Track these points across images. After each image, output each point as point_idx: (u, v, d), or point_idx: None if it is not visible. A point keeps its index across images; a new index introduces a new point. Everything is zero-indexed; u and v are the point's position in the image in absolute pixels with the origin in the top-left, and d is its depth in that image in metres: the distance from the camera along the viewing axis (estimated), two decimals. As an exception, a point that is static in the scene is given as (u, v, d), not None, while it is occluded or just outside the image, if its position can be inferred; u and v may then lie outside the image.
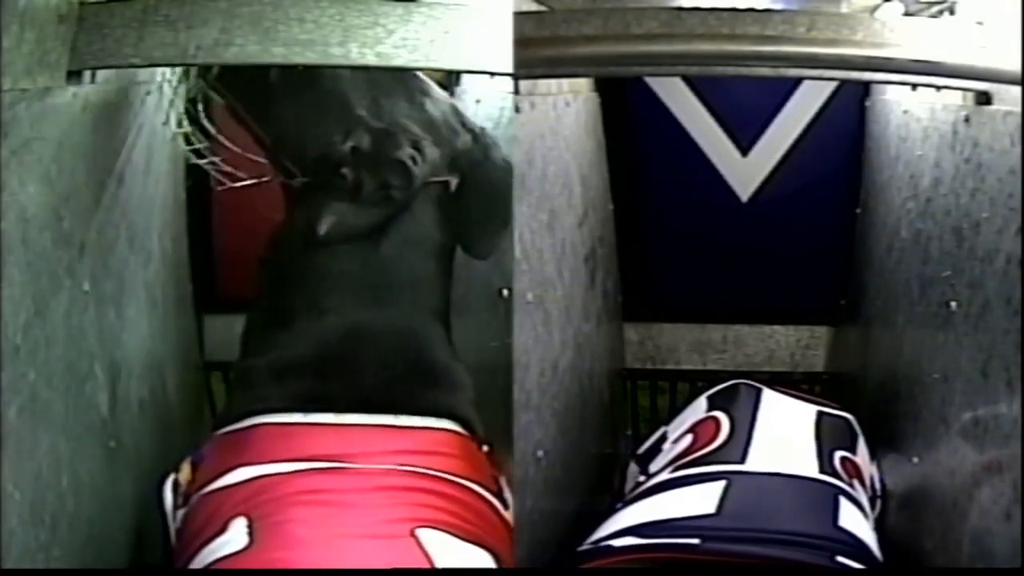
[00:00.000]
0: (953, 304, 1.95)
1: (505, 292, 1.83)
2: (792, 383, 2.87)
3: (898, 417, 2.29)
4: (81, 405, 1.71)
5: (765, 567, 1.69)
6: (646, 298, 3.17)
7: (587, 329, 2.48)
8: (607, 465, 2.90)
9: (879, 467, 2.28)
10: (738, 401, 2.22)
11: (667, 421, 2.36)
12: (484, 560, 1.54)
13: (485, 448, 1.78)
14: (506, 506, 1.70)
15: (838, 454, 2.06)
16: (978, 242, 1.86)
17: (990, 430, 1.76)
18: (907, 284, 2.31)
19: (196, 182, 2.66)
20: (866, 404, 2.63)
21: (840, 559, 1.74)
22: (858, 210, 2.90)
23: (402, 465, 1.62)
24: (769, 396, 2.24)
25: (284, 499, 1.53)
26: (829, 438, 2.09)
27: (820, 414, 2.22)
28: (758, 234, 3.06)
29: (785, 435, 2.05)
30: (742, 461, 1.96)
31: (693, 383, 3.25)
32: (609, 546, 1.79)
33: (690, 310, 3.20)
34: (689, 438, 2.15)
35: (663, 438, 2.27)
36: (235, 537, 1.51)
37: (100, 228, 1.80)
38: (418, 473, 1.61)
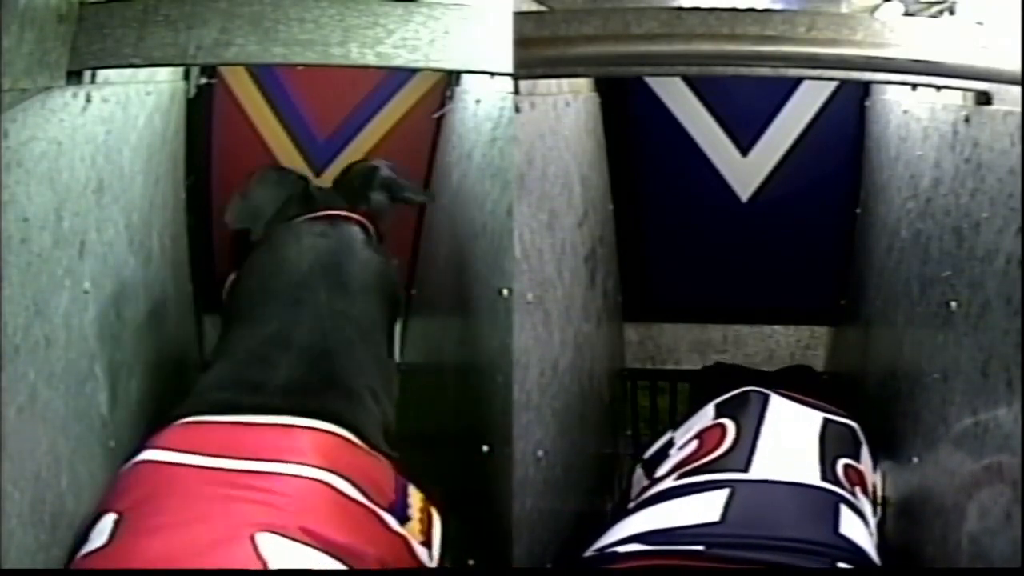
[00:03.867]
0: (953, 304, 1.95)
1: (505, 292, 1.83)
2: (808, 378, 2.91)
3: (898, 417, 2.29)
4: (81, 405, 1.71)
5: (767, 570, 1.71)
6: (646, 298, 3.17)
7: (587, 329, 2.48)
8: (607, 465, 2.90)
9: (881, 473, 2.31)
10: (746, 408, 2.24)
11: (674, 426, 2.39)
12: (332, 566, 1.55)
13: (381, 457, 1.78)
14: (398, 517, 1.71)
15: (841, 462, 2.09)
16: (978, 242, 1.86)
17: (990, 430, 1.76)
18: (907, 284, 2.31)
19: (196, 182, 2.68)
20: (866, 404, 2.63)
21: (840, 565, 1.77)
22: (858, 210, 2.90)
23: (278, 460, 1.65)
24: (776, 403, 2.25)
25: (149, 496, 1.60)
26: (833, 446, 2.12)
27: (826, 421, 2.24)
28: (758, 234, 3.05)
29: (789, 443, 2.09)
30: (746, 469, 1.99)
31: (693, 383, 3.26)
32: (615, 552, 1.80)
33: (690, 310, 3.20)
34: (695, 444, 2.17)
35: (670, 443, 2.30)
36: (102, 530, 1.58)
37: (100, 228, 1.80)
38: (284, 475, 1.63)
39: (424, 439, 2.64)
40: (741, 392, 2.32)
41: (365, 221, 2.11)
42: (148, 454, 1.69)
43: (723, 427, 2.15)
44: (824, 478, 1.99)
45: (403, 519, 1.72)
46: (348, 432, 1.75)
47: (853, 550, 1.81)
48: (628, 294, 3.10)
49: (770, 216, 3.04)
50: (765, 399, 2.26)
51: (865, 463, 2.18)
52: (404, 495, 1.76)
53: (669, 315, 3.20)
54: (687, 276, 3.15)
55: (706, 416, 2.30)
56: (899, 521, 2.28)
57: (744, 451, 2.03)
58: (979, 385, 1.80)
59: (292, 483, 1.62)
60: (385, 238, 2.15)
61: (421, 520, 1.75)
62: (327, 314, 1.91)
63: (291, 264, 1.98)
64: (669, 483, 2.02)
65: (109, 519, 1.59)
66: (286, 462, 1.65)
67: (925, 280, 2.17)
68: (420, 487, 1.80)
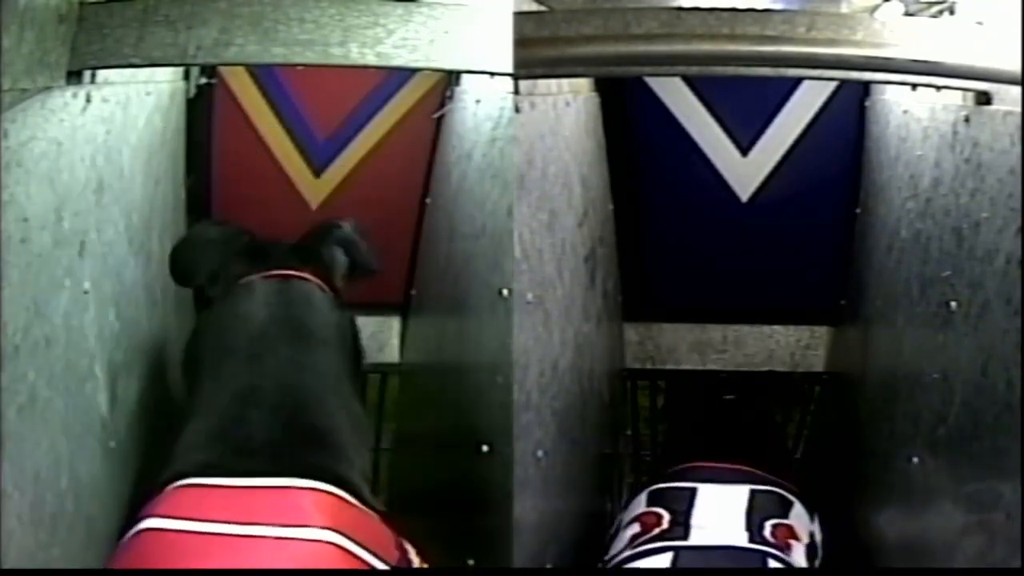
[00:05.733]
0: (953, 304, 1.95)
1: (505, 292, 1.83)
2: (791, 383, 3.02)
3: (898, 417, 2.29)
4: (81, 405, 1.72)
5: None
6: (646, 298, 3.17)
7: (587, 329, 2.48)
8: (607, 465, 2.90)
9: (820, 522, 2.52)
10: (677, 498, 2.43)
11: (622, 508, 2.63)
12: None
13: (373, 513, 1.75)
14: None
15: (769, 523, 2.34)
16: (978, 242, 1.86)
17: (990, 430, 1.76)
18: (907, 284, 2.31)
19: (196, 182, 2.68)
20: (866, 404, 2.63)
21: None
22: (858, 210, 2.90)
23: (285, 524, 1.62)
24: (704, 492, 2.44)
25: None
26: (760, 512, 2.37)
27: (752, 492, 2.43)
28: (758, 234, 3.05)
29: (719, 518, 2.35)
30: (685, 538, 2.29)
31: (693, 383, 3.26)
32: None
33: (690, 310, 3.19)
34: (636, 526, 2.40)
35: (618, 526, 2.49)
36: None
37: (100, 228, 1.80)
38: (294, 539, 1.61)
39: (424, 439, 2.65)
40: (670, 487, 2.47)
41: (317, 280, 2.09)
42: (151, 522, 1.63)
43: (658, 514, 2.40)
44: (752, 540, 2.29)
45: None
46: (341, 490, 1.72)
47: None
48: (628, 294, 3.10)
49: (770, 216, 3.04)
50: (692, 492, 2.44)
51: (796, 518, 2.42)
52: (404, 552, 1.74)
53: (669, 315, 3.19)
54: (687, 276, 3.15)
55: (639, 504, 2.47)
56: (900, 521, 2.28)
57: (680, 528, 2.32)
58: (979, 385, 1.80)
59: (304, 548, 1.60)
60: (341, 295, 2.13)
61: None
62: (292, 368, 1.90)
63: (251, 320, 1.96)
64: (624, 554, 2.30)
65: None
66: (293, 526, 1.62)
67: (925, 280, 2.17)
68: (412, 543, 1.77)
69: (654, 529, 2.35)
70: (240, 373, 1.87)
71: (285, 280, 2.04)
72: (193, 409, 1.88)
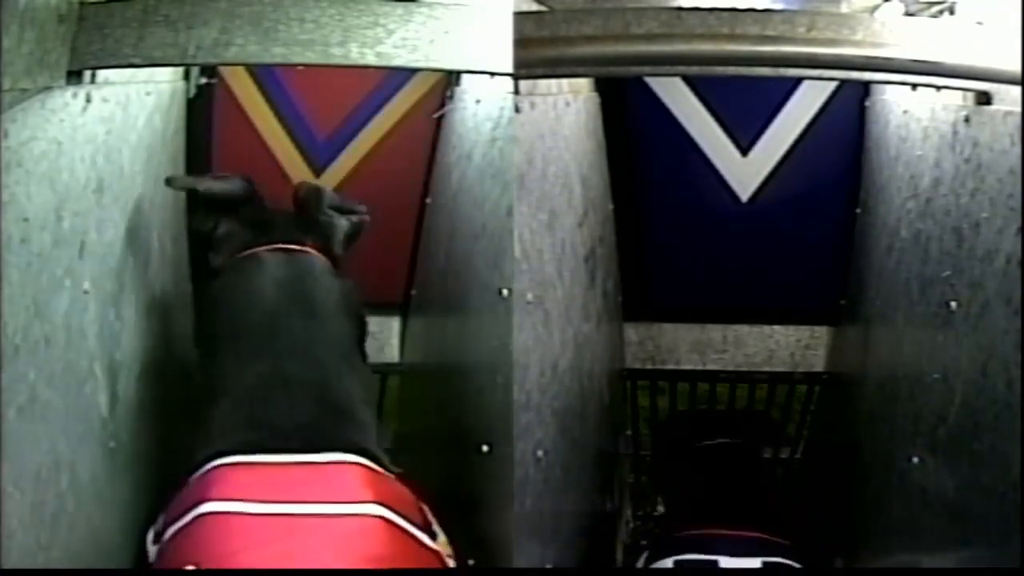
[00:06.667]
0: (953, 304, 1.95)
1: (505, 292, 1.83)
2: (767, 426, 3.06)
3: (898, 417, 2.29)
4: (81, 405, 1.71)
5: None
6: (646, 298, 3.17)
7: (587, 329, 2.48)
8: (607, 465, 2.90)
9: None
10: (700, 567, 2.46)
11: None
12: None
13: (395, 478, 1.86)
14: (430, 534, 1.80)
15: None
16: (978, 242, 1.86)
17: (990, 430, 1.76)
18: (907, 284, 2.31)
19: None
20: (866, 404, 2.63)
21: None
22: (858, 210, 2.90)
23: (335, 501, 1.74)
24: (724, 563, 2.46)
25: (229, 553, 1.66)
26: None
27: (765, 564, 2.45)
28: (758, 234, 3.05)
29: None
30: None
31: (693, 383, 3.26)
32: None
33: (690, 310, 3.20)
34: None
35: None
36: None
37: (100, 228, 1.80)
38: (347, 516, 1.73)
39: (424, 439, 2.65)
40: (695, 559, 2.48)
41: (318, 252, 2.12)
42: (209, 506, 1.72)
43: None
44: None
45: (433, 535, 1.81)
46: (372, 462, 1.84)
47: None
48: (628, 294, 3.10)
49: (770, 216, 3.04)
50: (714, 564, 2.45)
51: None
52: (423, 511, 1.83)
53: (669, 315, 3.20)
54: (687, 276, 3.15)
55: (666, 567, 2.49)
56: (900, 521, 2.28)
57: None
58: (979, 385, 1.80)
59: (356, 523, 1.72)
60: (341, 262, 2.15)
61: (444, 533, 1.84)
62: (310, 344, 1.98)
63: (264, 296, 2.02)
64: None
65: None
66: (343, 502, 1.74)
67: (925, 280, 2.17)
68: (419, 493, 1.86)
69: None
70: (262, 350, 1.95)
71: (291, 254, 2.09)
72: (216, 387, 1.95)
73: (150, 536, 1.83)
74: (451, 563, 1.81)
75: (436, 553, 1.78)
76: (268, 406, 1.88)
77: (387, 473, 1.86)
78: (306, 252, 2.10)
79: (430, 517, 1.84)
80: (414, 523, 1.77)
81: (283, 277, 2.05)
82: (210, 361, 2.02)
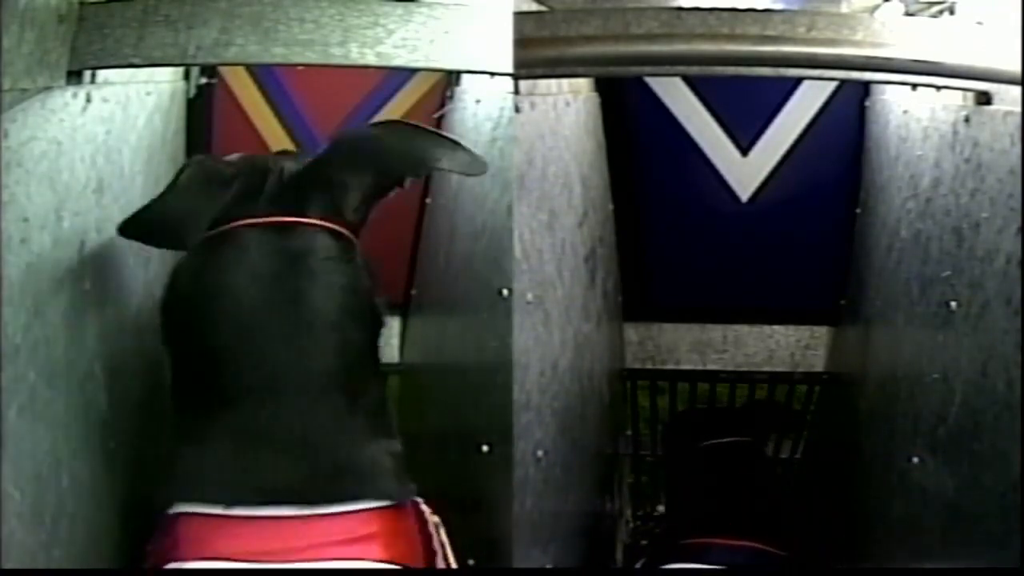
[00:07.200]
0: (953, 304, 1.95)
1: (505, 292, 1.83)
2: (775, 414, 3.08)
3: (898, 417, 2.29)
4: (81, 405, 1.71)
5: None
6: (646, 298, 3.17)
7: (587, 329, 2.48)
8: (607, 465, 2.90)
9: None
10: None
11: None
12: None
13: (417, 503, 1.63)
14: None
15: None
16: (978, 242, 1.86)
17: (990, 430, 1.76)
18: (907, 284, 2.31)
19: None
20: (866, 404, 2.63)
21: None
22: (858, 210, 2.90)
23: (320, 559, 1.49)
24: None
25: None
26: None
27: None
28: (758, 234, 3.05)
29: None
30: None
31: (693, 383, 3.26)
32: None
33: (690, 310, 3.20)
34: None
35: None
36: None
37: (100, 228, 1.79)
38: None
39: (424, 439, 2.64)
40: (703, 568, 2.49)
41: (320, 225, 1.62)
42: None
43: None
44: None
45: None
46: (377, 500, 1.56)
47: None
48: (628, 294, 3.10)
49: (770, 216, 3.04)
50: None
51: None
52: (430, 540, 1.63)
53: (669, 315, 3.20)
54: (687, 276, 3.15)
55: None
56: (900, 520, 2.28)
57: None
58: (979, 385, 1.80)
59: None
60: (356, 235, 1.68)
61: (442, 546, 1.66)
62: (300, 372, 1.55)
63: (235, 296, 1.56)
64: None
65: None
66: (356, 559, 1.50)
67: (925, 280, 2.17)
68: (427, 501, 1.69)
69: None
70: (233, 386, 1.55)
71: (283, 230, 1.60)
72: (181, 426, 1.63)
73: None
74: None
75: None
76: (245, 462, 1.53)
77: (393, 507, 1.58)
78: (304, 225, 1.60)
79: (436, 544, 1.62)
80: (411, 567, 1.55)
81: (267, 266, 1.57)
82: (175, 383, 1.64)
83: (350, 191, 1.65)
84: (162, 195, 1.65)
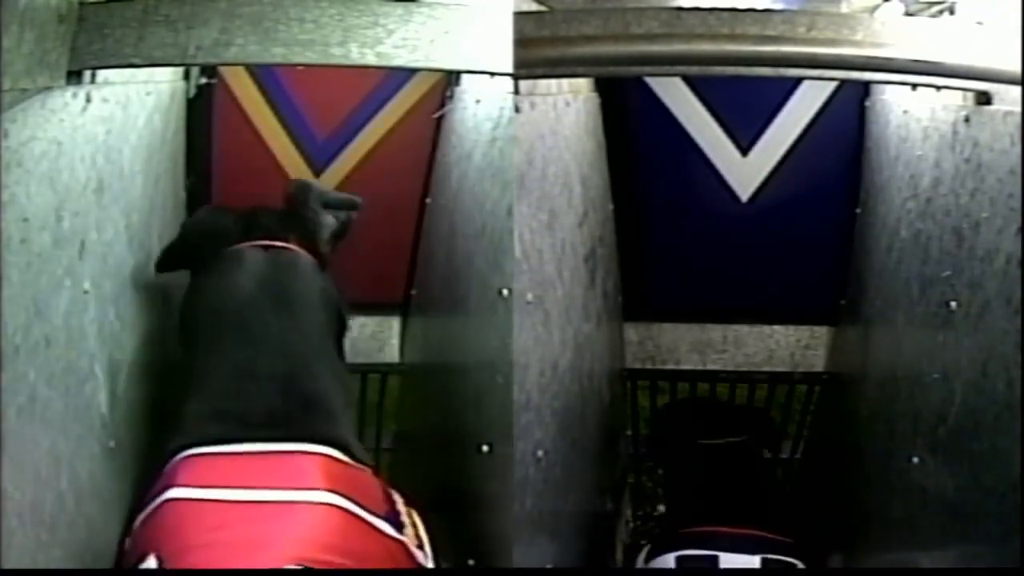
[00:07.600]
0: (953, 304, 1.95)
1: (505, 292, 1.83)
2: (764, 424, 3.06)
3: (898, 417, 2.29)
4: (81, 405, 1.71)
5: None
6: (646, 298, 3.17)
7: (587, 329, 2.48)
8: (607, 465, 2.90)
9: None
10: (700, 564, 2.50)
11: None
12: None
13: (364, 468, 1.91)
14: (394, 525, 1.82)
15: None
16: (978, 242, 1.86)
17: (990, 430, 1.76)
18: (907, 284, 2.31)
19: (196, 182, 2.68)
20: (866, 404, 2.63)
21: None
22: (858, 210, 2.90)
23: (292, 488, 1.77)
24: (724, 559, 2.50)
25: (186, 545, 1.68)
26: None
27: (764, 561, 2.48)
28: (758, 234, 3.05)
29: None
30: None
31: (693, 383, 3.26)
32: None
33: (690, 310, 3.19)
34: None
35: None
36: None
37: (100, 228, 1.80)
38: (301, 503, 1.75)
39: (424, 439, 2.65)
40: (696, 554, 2.51)
41: (299, 249, 2.16)
42: (173, 492, 1.75)
43: None
44: None
45: (398, 526, 1.82)
46: (337, 451, 1.87)
47: None
48: (628, 294, 3.10)
49: (770, 216, 3.04)
50: (714, 560, 2.49)
51: None
52: (393, 503, 1.86)
53: (669, 315, 3.20)
54: (687, 276, 3.15)
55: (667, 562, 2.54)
56: (899, 519, 2.28)
57: None
58: (979, 385, 1.80)
59: (310, 511, 1.74)
60: (324, 258, 2.18)
61: (412, 524, 1.86)
62: (283, 338, 2.01)
63: (240, 290, 2.06)
64: None
65: (152, 561, 1.66)
66: (299, 489, 1.76)
67: (925, 280, 2.17)
68: (396, 488, 1.90)
69: None
70: (235, 344, 1.99)
71: (273, 250, 2.13)
72: (192, 378, 1.99)
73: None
74: (419, 555, 1.83)
75: (399, 543, 1.79)
76: (237, 398, 1.92)
77: (355, 464, 1.88)
78: (288, 248, 2.14)
79: (400, 508, 1.86)
80: (374, 512, 1.79)
81: (262, 272, 2.09)
82: (188, 355, 2.06)
83: (317, 233, 2.19)
84: (181, 233, 2.24)
